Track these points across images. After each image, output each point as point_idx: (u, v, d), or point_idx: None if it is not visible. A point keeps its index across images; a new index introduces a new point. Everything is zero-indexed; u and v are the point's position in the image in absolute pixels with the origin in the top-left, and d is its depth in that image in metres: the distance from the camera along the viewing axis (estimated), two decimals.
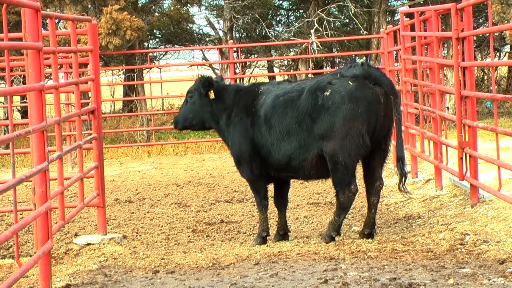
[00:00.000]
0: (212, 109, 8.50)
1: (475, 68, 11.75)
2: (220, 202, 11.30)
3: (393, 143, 8.23)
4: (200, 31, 25.44)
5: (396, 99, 7.87)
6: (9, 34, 7.11)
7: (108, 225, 9.46)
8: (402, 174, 8.06)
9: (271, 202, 8.53)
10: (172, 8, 24.09)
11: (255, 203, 8.49)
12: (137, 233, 9.38)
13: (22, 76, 17.97)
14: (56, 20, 17.96)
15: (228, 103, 8.42)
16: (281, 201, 8.44)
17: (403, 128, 11.70)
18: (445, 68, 15.84)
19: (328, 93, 7.77)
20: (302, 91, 7.96)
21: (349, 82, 7.75)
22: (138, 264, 7.33)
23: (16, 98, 21.93)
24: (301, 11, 24.86)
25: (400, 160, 8.05)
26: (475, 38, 21.45)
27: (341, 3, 21.59)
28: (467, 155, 8.71)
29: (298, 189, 11.88)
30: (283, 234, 8.35)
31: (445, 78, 18.33)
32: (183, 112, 8.73)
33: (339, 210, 7.87)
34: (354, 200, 7.93)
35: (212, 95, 8.47)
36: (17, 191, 8.70)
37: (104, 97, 21.87)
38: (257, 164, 8.20)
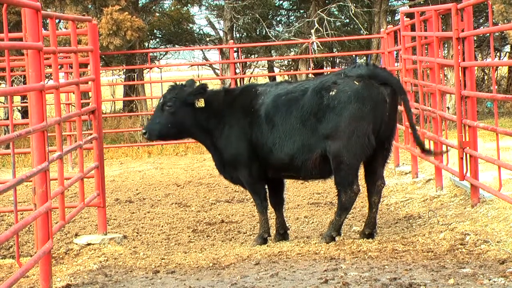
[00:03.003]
0: (195, 116, 8.21)
1: (476, 68, 11.75)
2: (220, 202, 11.30)
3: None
4: (201, 31, 25.47)
5: (406, 98, 7.97)
6: (10, 34, 7.11)
7: (109, 225, 9.46)
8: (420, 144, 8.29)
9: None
10: (172, 8, 24.11)
11: (255, 205, 8.44)
12: (137, 233, 9.38)
13: (22, 76, 17.98)
14: (57, 20, 17.97)
15: (216, 106, 8.22)
16: (277, 201, 8.38)
17: (403, 127, 11.73)
18: (445, 68, 15.84)
19: (333, 93, 7.75)
20: (306, 91, 7.93)
21: (355, 82, 7.75)
22: (139, 264, 7.33)
23: (17, 98, 21.93)
24: (301, 11, 24.88)
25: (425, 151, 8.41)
26: (475, 38, 21.45)
27: (341, 3, 21.60)
28: (468, 155, 8.71)
29: (298, 189, 11.88)
30: (283, 233, 8.34)
31: (445, 78, 18.33)
32: (159, 121, 8.23)
33: (340, 210, 7.86)
34: (355, 200, 7.92)
35: (202, 103, 8.17)
36: (18, 191, 8.70)
37: (105, 97, 21.87)
38: (256, 165, 8.12)
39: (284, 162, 7.96)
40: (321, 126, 7.76)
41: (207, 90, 8.24)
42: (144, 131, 8.34)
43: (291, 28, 22.45)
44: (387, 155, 8.05)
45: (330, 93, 7.76)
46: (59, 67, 8.52)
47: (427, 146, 8.23)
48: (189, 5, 23.05)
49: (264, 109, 8.03)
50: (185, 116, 8.20)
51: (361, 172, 8.08)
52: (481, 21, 24.83)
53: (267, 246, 7.89)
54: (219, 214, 10.32)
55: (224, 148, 8.20)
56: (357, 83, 7.73)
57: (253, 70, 26.96)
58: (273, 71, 25.74)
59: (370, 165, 7.98)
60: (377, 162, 7.97)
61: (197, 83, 8.39)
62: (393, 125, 8.03)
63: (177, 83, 8.44)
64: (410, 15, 13.17)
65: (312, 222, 9.49)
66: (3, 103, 19.08)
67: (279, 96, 8.03)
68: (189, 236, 9.11)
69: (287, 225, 8.52)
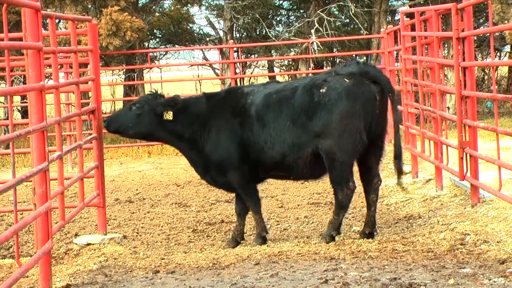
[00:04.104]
0: (167, 124, 8.17)
1: (476, 68, 11.76)
2: (220, 202, 11.29)
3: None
4: (201, 31, 25.45)
5: (394, 96, 7.98)
6: (9, 34, 7.11)
7: (108, 225, 9.46)
8: (400, 170, 8.06)
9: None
10: (172, 8, 24.10)
11: (249, 206, 8.27)
12: (137, 233, 9.38)
13: (22, 76, 17.98)
14: (57, 20, 17.97)
15: (199, 111, 8.16)
16: (244, 208, 8.32)
17: (403, 127, 11.74)
18: (445, 68, 15.84)
19: (324, 90, 7.76)
20: (296, 89, 7.92)
21: (345, 79, 7.77)
22: (139, 264, 7.33)
23: (16, 98, 21.92)
24: (301, 11, 24.86)
25: (397, 158, 8.05)
26: (475, 38, 21.43)
27: (341, 3, 21.60)
28: (468, 155, 8.71)
29: (298, 189, 11.88)
30: (240, 241, 8.27)
31: (445, 78, 18.33)
32: (123, 117, 8.33)
33: (338, 208, 7.86)
34: (352, 197, 7.93)
35: (170, 116, 8.15)
36: (17, 191, 8.70)
37: (105, 97, 21.85)
38: (247, 166, 8.05)
39: (276, 160, 7.93)
40: (312, 124, 7.76)
41: (177, 104, 8.19)
42: (105, 119, 8.46)
43: (291, 28, 22.44)
44: (380, 153, 8.06)
45: (321, 91, 7.77)
46: (59, 67, 8.52)
47: (401, 153, 8.15)
48: (189, 5, 23.04)
49: (254, 108, 7.99)
50: (149, 122, 8.22)
51: (357, 171, 8.07)
52: (481, 21, 24.81)
53: (267, 246, 7.89)
54: (219, 214, 10.32)
55: (212, 152, 8.11)
56: (347, 81, 7.75)
57: (253, 70, 26.94)
58: (273, 71, 25.72)
59: (364, 164, 7.98)
60: (371, 160, 7.98)
61: (179, 100, 8.28)
62: (384, 123, 8.04)
63: (158, 91, 8.44)
64: (410, 15, 13.17)
65: (312, 222, 9.49)
66: (3, 103, 19.07)
67: (269, 95, 8.01)
68: (189, 236, 9.11)
69: (286, 224, 8.51)
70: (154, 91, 8.46)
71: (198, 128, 8.16)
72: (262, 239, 8.17)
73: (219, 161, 8.12)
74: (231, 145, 8.04)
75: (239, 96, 8.15)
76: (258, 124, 7.95)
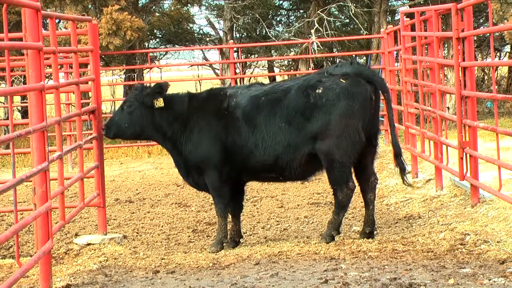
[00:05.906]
0: (155, 119, 8.12)
1: (476, 68, 11.75)
2: None
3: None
4: (201, 31, 25.49)
5: (389, 96, 8.05)
6: (10, 34, 7.11)
7: (109, 225, 9.46)
8: (403, 168, 8.10)
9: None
10: (172, 8, 24.13)
11: (217, 209, 8.17)
12: (137, 233, 9.38)
13: (22, 76, 17.98)
14: (57, 20, 17.97)
15: (180, 111, 8.09)
16: (237, 208, 8.28)
17: (403, 127, 11.75)
18: (445, 68, 15.84)
19: (320, 91, 7.76)
20: (289, 90, 7.88)
21: (341, 80, 7.78)
22: (139, 264, 7.33)
23: (17, 98, 21.93)
24: (301, 11, 24.89)
25: (398, 156, 8.08)
26: (475, 38, 21.45)
27: (341, 3, 21.62)
28: (468, 155, 8.71)
29: (298, 189, 11.88)
30: (238, 240, 8.25)
31: (445, 78, 18.33)
32: (117, 120, 8.25)
33: (338, 208, 7.87)
34: (352, 197, 7.93)
35: (160, 102, 8.07)
36: (18, 191, 8.71)
37: (105, 97, 21.86)
38: (227, 169, 7.97)
39: (268, 163, 7.88)
40: (310, 125, 7.75)
41: (164, 89, 8.15)
42: (103, 127, 8.38)
43: (291, 28, 22.46)
44: (375, 152, 8.09)
45: (317, 91, 7.77)
46: (59, 67, 8.52)
47: (401, 151, 8.20)
48: (189, 5, 23.06)
49: (241, 111, 7.92)
50: (142, 117, 8.16)
51: (353, 171, 8.07)
52: (481, 21, 24.83)
53: (267, 246, 7.89)
54: None
55: (192, 152, 8.03)
56: (344, 81, 7.76)
57: (253, 70, 26.96)
58: (273, 71, 25.74)
59: (360, 164, 7.98)
60: (367, 159, 8.00)
61: (166, 86, 8.19)
62: (378, 122, 8.09)
63: (145, 84, 8.38)
64: (410, 15, 13.17)
65: (312, 222, 9.49)
66: (3, 103, 19.08)
67: (257, 97, 7.95)
68: (189, 236, 9.11)
69: (286, 224, 8.51)
70: (139, 85, 8.41)
71: (179, 127, 8.09)
72: (222, 246, 8.05)
73: (199, 162, 8.03)
74: (213, 147, 7.95)
75: (222, 98, 8.06)
76: (247, 127, 7.87)
